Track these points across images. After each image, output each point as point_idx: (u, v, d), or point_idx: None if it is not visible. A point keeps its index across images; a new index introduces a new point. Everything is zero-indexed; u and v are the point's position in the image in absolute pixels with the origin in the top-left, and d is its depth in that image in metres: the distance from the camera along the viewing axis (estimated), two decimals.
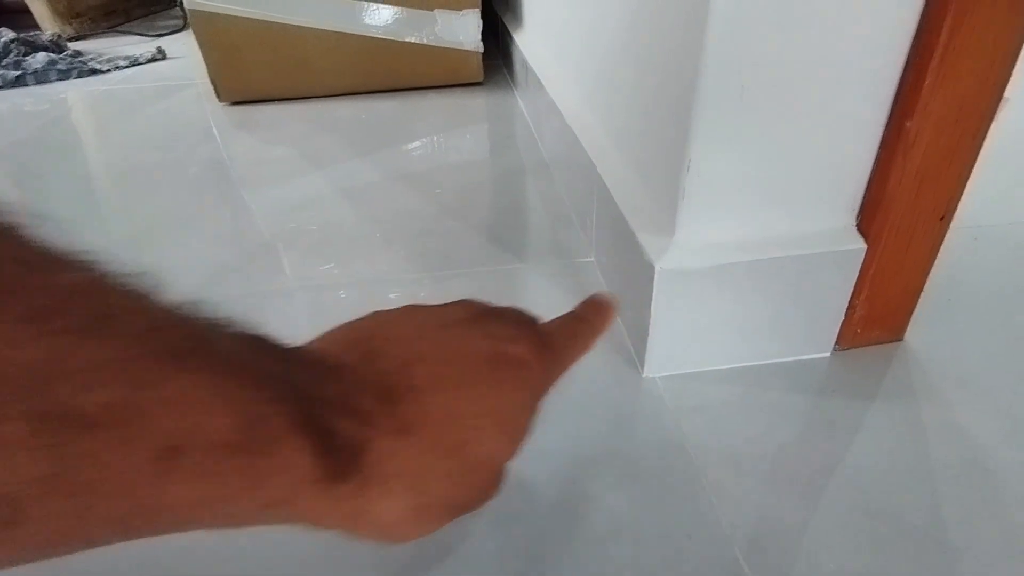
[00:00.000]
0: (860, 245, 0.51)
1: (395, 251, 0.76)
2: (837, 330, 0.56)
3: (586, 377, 0.55)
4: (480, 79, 1.37)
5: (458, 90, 1.36)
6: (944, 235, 0.53)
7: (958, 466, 0.47)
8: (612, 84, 0.64)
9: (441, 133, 1.14)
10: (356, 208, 0.86)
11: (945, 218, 0.52)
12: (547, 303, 0.65)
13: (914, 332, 0.59)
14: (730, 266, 0.50)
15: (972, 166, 0.49)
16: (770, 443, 0.49)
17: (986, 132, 0.48)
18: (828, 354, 0.57)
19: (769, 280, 0.51)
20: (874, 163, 0.49)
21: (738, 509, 0.44)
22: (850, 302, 0.54)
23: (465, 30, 1.30)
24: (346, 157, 1.03)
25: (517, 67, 1.26)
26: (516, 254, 0.74)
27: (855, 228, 0.52)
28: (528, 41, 1.17)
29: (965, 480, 0.46)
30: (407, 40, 1.30)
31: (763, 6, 0.40)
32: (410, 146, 1.08)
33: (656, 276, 0.49)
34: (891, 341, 0.59)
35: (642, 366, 0.55)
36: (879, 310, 0.56)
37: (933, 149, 0.47)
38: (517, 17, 1.30)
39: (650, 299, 0.51)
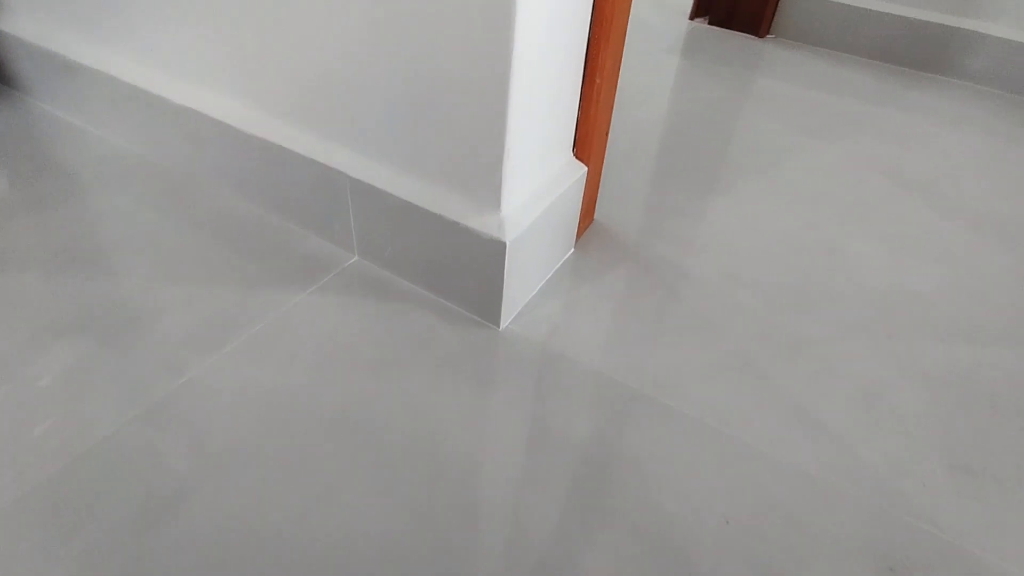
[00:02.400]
0: (583, 169, 0.71)
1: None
2: (575, 232, 0.77)
3: (468, 353, 0.62)
4: None
5: None
6: (607, 142, 0.77)
7: (649, 273, 0.75)
8: (376, 100, 0.64)
9: None
10: None
11: (607, 132, 0.75)
12: (357, 320, 0.66)
13: (600, 212, 0.85)
14: (537, 218, 0.63)
15: (615, 96, 0.73)
16: (603, 312, 0.68)
17: (619, 74, 0.71)
18: (572, 250, 0.78)
19: (550, 214, 0.67)
20: (578, 110, 0.68)
21: (599, 360, 0.62)
22: (580, 210, 0.75)
23: None
24: None
25: (16, 62, 0.95)
26: (281, 288, 0.69)
27: (574, 158, 0.71)
28: (47, 32, 0.90)
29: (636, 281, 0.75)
30: None
31: (537, 34, 0.51)
32: None
33: (508, 248, 0.59)
34: (590, 224, 0.83)
35: (498, 323, 0.65)
36: (588, 207, 0.79)
37: (606, 89, 0.68)
38: None
39: (502, 271, 0.60)
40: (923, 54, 1.43)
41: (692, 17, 1.66)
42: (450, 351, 0.63)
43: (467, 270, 0.63)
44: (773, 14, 1.57)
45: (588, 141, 0.70)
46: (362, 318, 0.66)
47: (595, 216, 0.84)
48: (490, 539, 0.48)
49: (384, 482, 0.51)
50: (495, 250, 0.60)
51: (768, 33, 1.59)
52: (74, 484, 0.49)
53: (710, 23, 1.64)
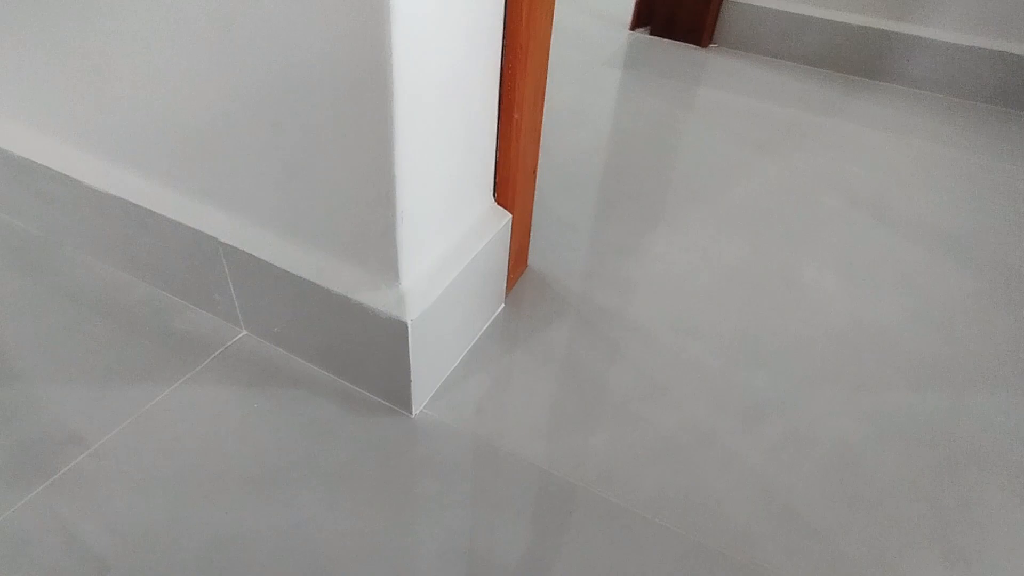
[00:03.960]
0: (507, 217, 0.61)
1: None
2: (505, 284, 0.67)
3: (374, 451, 0.52)
4: None
5: None
6: (535, 180, 0.67)
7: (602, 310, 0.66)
8: (248, 166, 0.52)
9: None
10: None
11: (534, 169, 0.66)
12: (239, 418, 0.54)
13: (533, 258, 0.75)
14: (449, 285, 0.53)
15: (540, 128, 0.63)
16: (537, 384, 0.58)
17: (544, 103, 0.62)
18: (503, 305, 0.68)
19: (468, 276, 0.57)
20: (496, 150, 0.58)
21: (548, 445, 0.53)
22: (508, 260, 0.65)
23: None
24: None
25: None
26: (147, 378, 0.57)
27: (495, 204, 0.61)
28: None
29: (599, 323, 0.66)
30: None
31: (430, 74, 0.41)
32: None
33: (410, 328, 0.48)
34: (523, 271, 0.74)
35: (409, 408, 0.55)
36: (518, 255, 0.69)
37: (527, 123, 0.59)
38: None
39: (407, 353, 0.50)
40: (865, 60, 1.39)
41: (633, 27, 1.59)
42: (351, 452, 0.52)
43: (367, 351, 0.53)
44: (715, 23, 1.51)
45: (511, 183, 0.60)
46: (244, 415, 0.54)
47: (528, 262, 0.75)
48: None
49: None
50: (396, 330, 0.49)
51: (711, 42, 1.53)
52: None
53: (651, 33, 1.57)
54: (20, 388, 0.55)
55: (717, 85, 1.28)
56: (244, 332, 0.62)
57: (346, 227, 0.48)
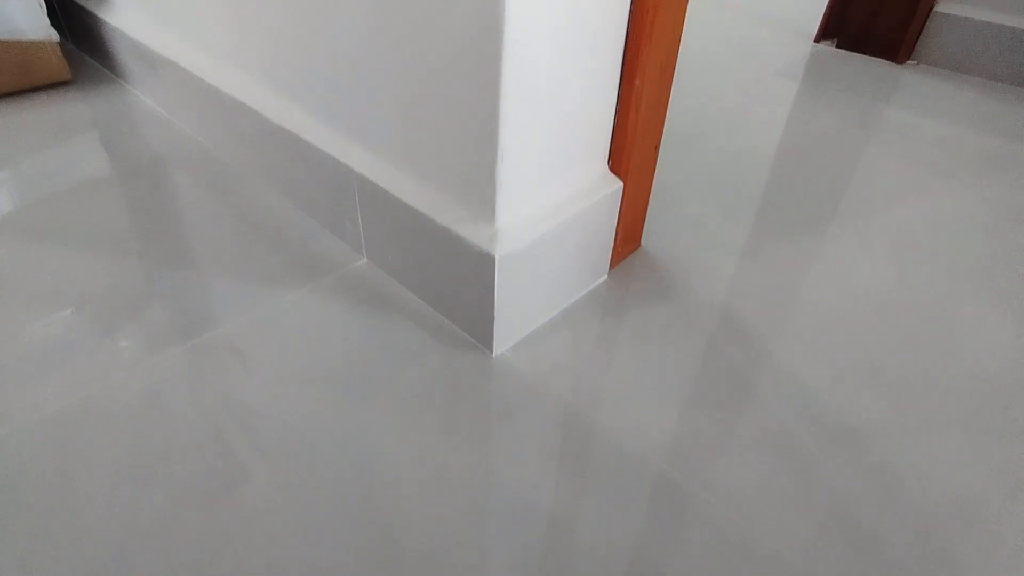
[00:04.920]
0: (618, 185, 0.62)
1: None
2: (609, 256, 0.67)
3: (449, 381, 0.55)
4: (68, 77, 1.07)
5: (45, 95, 1.04)
6: (656, 161, 0.67)
7: (698, 313, 0.63)
8: (378, 93, 0.59)
9: (58, 152, 0.87)
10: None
11: (657, 147, 0.65)
12: (342, 327, 0.61)
13: (646, 238, 0.74)
14: (543, 235, 0.55)
15: (667, 107, 0.63)
16: (616, 362, 0.58)
17: (671, 82, 0.61)
18: (606, 276, 0.68)
19: (570, 233, 0.58)
20: (615, 116, 0.59)
21: (617, 414, 0.52)
22: (615, 231, 0.65)
23: (23, 13, 0.98)
24: None
25: (121, 54, 1.02)
26: (279, 284, 0.66)
27: (609, 171, 0.62)
28: (137, 22, 0.95)
29: (685, 325, 0.62)
30: None
31: (543, 29, 0.43)
32: (16, 184, 0.81)
33: (497, 263, 0.51)
34: (635, 250, 0.73)
35: (491, 347, 0.57)
36: (628, 229, 0.69)
37: (651, 98, 0.59)
38: None
39: (492, 288, 0.53)
40: None
41: (818, 39, 1.49)
42: (428, 374, 0.56)
43: (461, 285, 0.56)
44: (917, 36, 1.36)
45: (626, 153, 0.61)
46: (347, 326, 0.61)
47: (642, 243, 0.74)
48: None
49: (311, 522, 0.45)
50: (485, 265, 0.52)
51: (909, 59, 1.39)
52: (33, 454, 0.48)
53: (838, 46, 1.46)
54: (185, 274, 0.66)
55: (907, 105, 1.16)
56: (364, 260, 0.69)
57: (455, 165, 0.52)
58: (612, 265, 0.69)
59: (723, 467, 0.49)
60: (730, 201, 0.84)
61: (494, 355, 0.58)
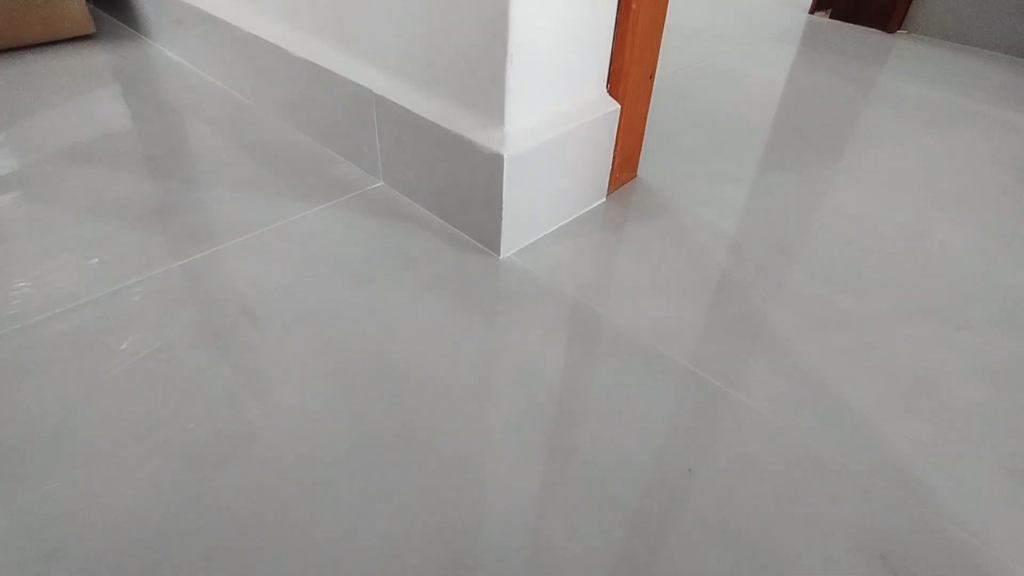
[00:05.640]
0: (616, 106, 0.67)
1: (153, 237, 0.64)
2: (608, 180, 0.72)
3: (460, 276, 0.60)
4: (91, 31, 1.12)
5: (70, 47, 1.09)
6: (651, 89, 0.72)
7: (684, 239, 0.68)
8: (388, 15, 0.64)
9: (85, 98, 0.92)
10: (54, 211, 0.68)
11: (652, 76, 0.70)
12: (360, 235, 0.66)
13: (642, 169, 0.79)
14: (547, 143, 0.60)
15: (662, 34, 0.68)
16: (610, 266, 0.63)
17: (666, 7, 0.66)
18: (604, 199, 0.73)
19: (571, 146, 0.63)
20: (612, 40, 0.64)
21: (619, 310, 0.57)
22: (613, 155, 0.70)
23: None
24: None
25: (145, 9, 1.07)
26: (303, 200, 0.71)
27: (607, 94, 0.67)
28: None
29: (683, 248, 0.67)
30: None
31: None
32: (49, 125, 0.86)
33: (505, 163, 0.56)
34: (631, 178, 0.78)
35: (498, 251, 0.62)
36: (625, 155, 0.74)
37: (646, 23, 0.64)
38: None
39: (500, 188, 0.58)
40: None
41: (812, 11, 1.54)
42: (440, 272, 0.61)
43: (472, 191, 0.61)
44: (908, 7, 1.41)
45: (624, 77, 0.66)
46: (365, 234, 0.66)
47: (639, 173, 0.79)
48: (441, 454, 0.45)
49: (350, 379, 0.50)
50: (495, 165, 0.57)
51: (900, 28, 1.44)
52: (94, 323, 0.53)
53: (832, 17, 1.50)
54: (218, 191, 0.71)
55: (896, 69, 1.21)
56: (381, 183, 0.74)
57: (466, 75, 0.57)
58: (610, 190, 0.74)
59: (705, 344, 0.54)
60: (724, 140, 0.89)
61: (501, 257, 0.63)
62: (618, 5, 0.61)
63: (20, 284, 0.58)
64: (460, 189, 0.63)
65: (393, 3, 0.60)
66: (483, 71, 0.56)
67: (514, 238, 0.63)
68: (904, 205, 0.76)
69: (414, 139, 0.65)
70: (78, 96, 0.93)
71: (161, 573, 0.37)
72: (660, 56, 1.19)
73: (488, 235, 0.63)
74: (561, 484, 0.42)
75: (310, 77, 0.75)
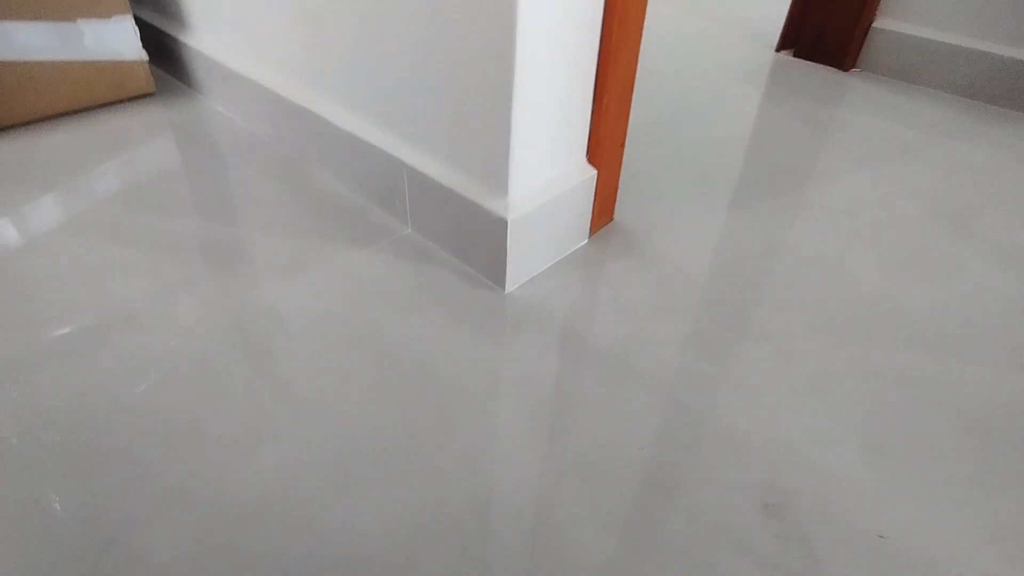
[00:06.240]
0: (594, 172, 0.86)
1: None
2: (588, 226, 0.91)
3: (475, 306, 0.79)
4: (152, 90, 1.31)
5: (132, 106, 1.28)
6: (623, 155, 0.91)
7: (653, 269, 0.87)
8: (405, 90, 0.84)
9: (147, 149, 1.12)
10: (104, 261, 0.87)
11: (622, 145, 0.89)
12: (396, 273, 0.85)
13: (618, 213, 0.98)
14: (541, 205, 0.79)
15: (628, 116, 0.87)
16: (592, 296, 0.81)
17: (631, 97, 0.85)
18: (586, 241, 0.92)
19: (559, 206, 0.82)
20: (590, 120, 0.83)
21: (604, 329, 0.76)
22: (592, 206, 0.89)
23: (122, 38, 1.22)
24: (29, 201, 0.96)
25: (197, 70, 1.26)
26: (349, 245, 0.90)
27: (587, 161, 0.86)
28: (211, 43, 1.19)
29: (649, 280, 0.86)
30: (57, 59, 1.16)
31: (549, 44, 0.67)
32: (117, 174, 1.05)
33: (509, 225, 0.75)
34: (608, 222, 0.97)
35: (504, 287, 0.82)
36: (603, 206, 0.93)
37: (615, 106, 0.83)
38: (177, 17, 1.27)
39: (505, 242, 0.77)
40: (1012, 91, 1.40)
41: (778, 49, 1.73)
42: (461, 301, 0.80)
43: (482, 241, 0.80)
44: (859, 48, 1.60)
45: (600, 150, 0.85)
46: (402, 273, 0.85)
47: (615, 216, 0.98)
48: (461, 440, 0.64)
49: (375, 376, 0.69)
50: (500, 226, 0.76)
51: (854, 67, 1.62)
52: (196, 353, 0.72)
53: (795, 55, 1.69)
54: (277, 237, 0.90)
55: (846, 106, 1.40)
56: (410, 229, 0.93)
57: (479, 154, 0.76)
58: (591, 233, 0.93)
59: (663, 354, 0.73)
60: (690, 182, 1.08)
61: (506, 292, 0.82)
62: (592, 98, 0.80)
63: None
64: (474, 239, 0.82)
65: (428, 100, 0.79)
66: (492, 156, 0.75)
67: (516, 277, 0.82)
68: (829, 236, 0.95)
69: (437, 200, 0.84)
70: (139, 147, 1.12)
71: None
72: (635, 100, 1.37)
73: (496, 274, 0.82)
74: (553, 459, 0.61)
75: (352, 145, 0.94)
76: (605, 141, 0.84)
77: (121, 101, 1.29)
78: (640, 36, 0.79)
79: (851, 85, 1.53)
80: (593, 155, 0.86)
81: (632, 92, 0.84)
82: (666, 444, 0.63)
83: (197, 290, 0.81)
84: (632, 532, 0.56)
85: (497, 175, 0.76)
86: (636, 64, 0.81)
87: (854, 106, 1.40)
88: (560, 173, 0.82)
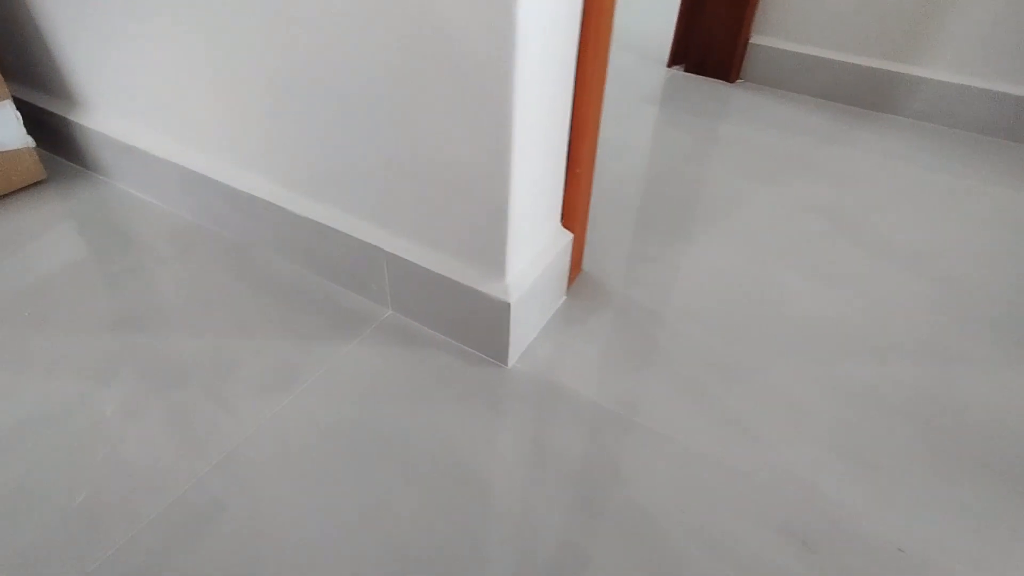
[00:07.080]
0: (570, 236, 0.89)
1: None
2: (566, 284, 0.95)
3: (486, 386, 0.80)
4: (43, 176, 1.17)
5: (22, 195, 1.14)
6: (588, 211, 0.95)
7: (636, 312, 0.93)
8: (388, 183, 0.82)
9: (46, 244, 1.01)
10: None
11: (588, 203, 0.94)
12: (393, 363, 0.84)
13: (586, 263, 1.03)
14: (534, 280, 0.81)
15: (592, 182, 0.91)
16: (586, 356, 0.85)
17: (594, 163, 0.89)
18: (565, 298, 0.96)
19: (547, 276, 0.85)
20: (564, 188, 0.86)
21: (605, 387, 0.80)
22: (569, 264, 0.93)
23: (3, 128, 1.08)
24: None
25: (98, 151, 1.14)
26: (332, 339, 0.87)
27: (561, 226, 0.90)
28: (115, 122, 1.08)
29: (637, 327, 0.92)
30: None
31: (537, 118, 0.69)
32: (10, 277, 0.95)
33: (512, 307, 0.77)
34: (579, 274, 1.01)
35: (506, 362, 0.83)
36: (575, 262, 0.97)
37: (585, 177, 0.87)
38: (64, 95, 1.14)
39: (508, 324, 0.78)
40: (872, 96, 1.61)
41: (669, 65, 1.85)
42: (468, 385, 0.81)
43: (480, 323, 0.81)
44: (741, 62, 1.75)
45: (573, 214, 0.88)
46: (398, 363, 0.84)
47: (583, 267, 1.02)
48: (496, 529, 0.65)
49: (414, 486, 0.69)
50: (502, 309, 0.78)
51: (738, 78, 1.78)
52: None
53: (686, 70, 1.82)
54: (253, 341, 0.86)
55: (738, 120, 1.54)
56: (391, 311, 0.91)
57: (474, 242, 0.77)
58: (568, 287, 0.97)
59: (638, 393, 0.78)
60: (632, 217, 1.14)
61: (508, 367, 0.84)
62: (566, 171, 0.84)
63: None
64: (470, 322, 0.82)
65: (407, 184, 0.79)
66: (488, 241, 0.76)
67: (515, 350, 0.84)
68: (757, 260, 1.05)
69: (423, 283, 0.83)
70: (31, 245, 1.00)
71: None
72: None
73: (497, 352, 0.83)
74: (547, 486, 0.65)
75: (314, 231, 0.91)
76: (578, 205, 0.88)
77: (11, 193, 1.14)
78: (602, 102, 0.83)
79: (738, 96, 1.68)
80: (567, 219, 0.89)
81: (595, 159, 0.88)
82: (700, 502, 0.69)
83: (228, 427, 0.76)
84: None
85: (493, 258, 0.77)
86: (599, 126, 0.86)
87: (744, 116, 1.54)
88: (545, 245, 0.85)
